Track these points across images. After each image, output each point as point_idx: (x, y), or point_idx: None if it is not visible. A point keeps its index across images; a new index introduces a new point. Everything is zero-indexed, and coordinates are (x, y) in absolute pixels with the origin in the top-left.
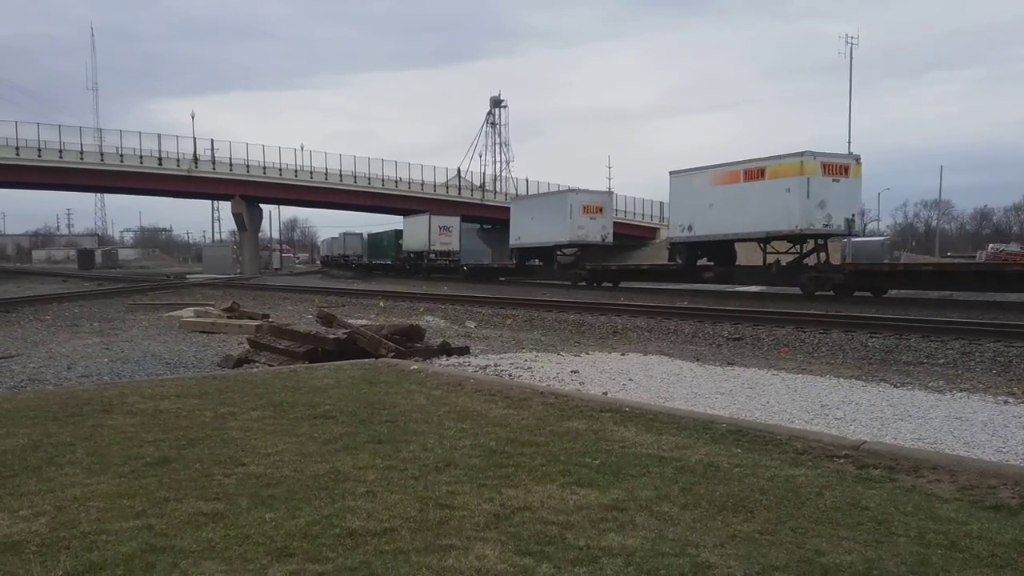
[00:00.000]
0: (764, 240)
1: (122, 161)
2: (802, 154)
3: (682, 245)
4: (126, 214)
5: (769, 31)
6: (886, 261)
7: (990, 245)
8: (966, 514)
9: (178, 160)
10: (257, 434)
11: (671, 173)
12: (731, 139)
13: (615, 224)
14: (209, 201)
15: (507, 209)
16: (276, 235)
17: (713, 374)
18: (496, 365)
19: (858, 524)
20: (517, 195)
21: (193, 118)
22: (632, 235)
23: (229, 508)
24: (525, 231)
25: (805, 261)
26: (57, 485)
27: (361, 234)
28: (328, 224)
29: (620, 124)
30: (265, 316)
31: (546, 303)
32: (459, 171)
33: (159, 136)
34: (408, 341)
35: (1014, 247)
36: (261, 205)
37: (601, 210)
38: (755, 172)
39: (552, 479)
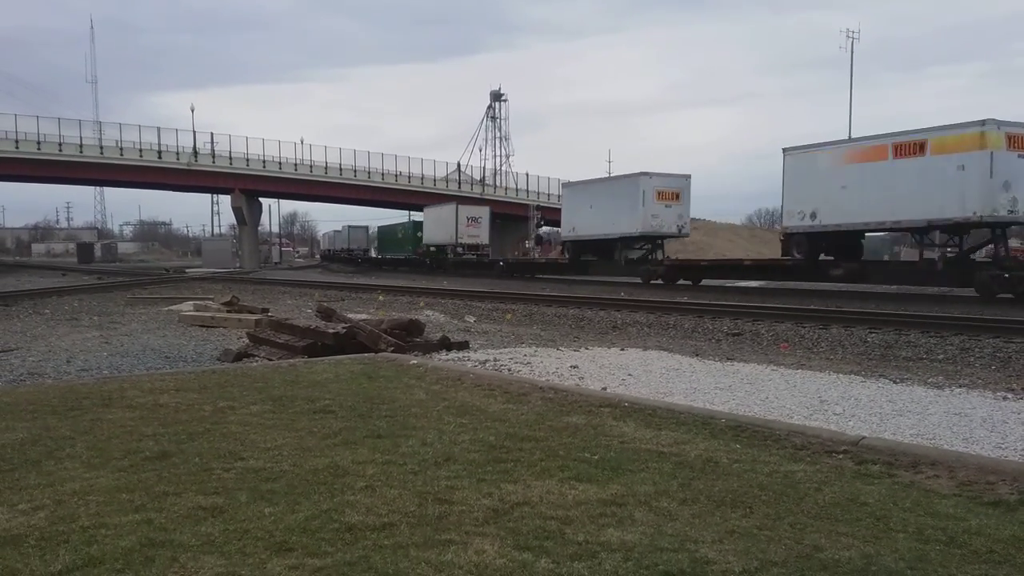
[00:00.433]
0: (923, 231)
1: (122, 154)
2: (983, 123)
3: (801, 236)
4: (126, 208)
5: (770, 24)
6: None
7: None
8: (964, 510)
9: (178, 153)
10: (256, 428)
11: (785, 150)
12: (732, 132)
13: None
14: (209, 195)
15: (507, 203)
16: (276, 229)
17: (712, 369)
18: (495, 360)
19: (857, 520)
20: (569, 182)
21: (193, 111)
22: None
23: (228, 502)
24: (582, 221)
25: (972, 256)
26: (56, 479)
27: (367, 227)
28: (328, 219)
29: (621, 118)
30: (264, 310)
31: (545, 297)
32: (459, 165)
33: (159, 129)
34: (407, 336)
35: (1014, 243)
36: (261, 199)
37: (678, 196)
38: (911, 147)
39: (551, 474)
